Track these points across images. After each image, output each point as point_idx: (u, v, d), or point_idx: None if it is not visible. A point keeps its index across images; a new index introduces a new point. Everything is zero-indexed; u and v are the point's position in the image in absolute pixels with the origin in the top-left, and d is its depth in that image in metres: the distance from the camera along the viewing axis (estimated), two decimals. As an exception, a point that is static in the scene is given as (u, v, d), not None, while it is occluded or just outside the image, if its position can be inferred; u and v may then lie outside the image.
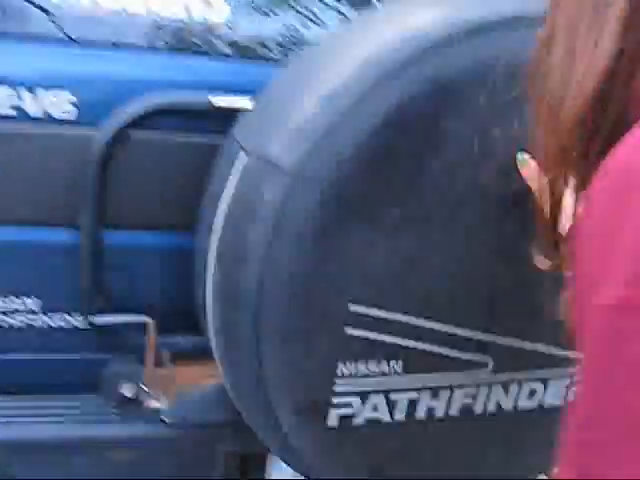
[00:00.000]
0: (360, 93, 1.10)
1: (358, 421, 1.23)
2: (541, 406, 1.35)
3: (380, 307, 1.17)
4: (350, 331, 1.17)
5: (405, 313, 1.19)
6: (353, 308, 1.16)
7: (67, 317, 1.38)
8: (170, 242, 1.38)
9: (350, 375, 1.20)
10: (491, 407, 1.31)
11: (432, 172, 1.14)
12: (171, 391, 1.39)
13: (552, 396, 1.35)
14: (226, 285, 1.17)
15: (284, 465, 1.50)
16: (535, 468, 1.45)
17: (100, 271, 1.35)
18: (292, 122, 1.13)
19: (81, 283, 1.35)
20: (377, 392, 1.22)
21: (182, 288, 1.39)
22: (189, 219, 1.31)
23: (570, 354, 1.32)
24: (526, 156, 1.15)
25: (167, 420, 1.39)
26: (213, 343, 1.25)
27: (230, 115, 1.28)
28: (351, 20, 1.57)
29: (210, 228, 1.20)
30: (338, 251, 1.12)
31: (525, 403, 1.33)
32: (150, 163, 1.33)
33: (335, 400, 1.20)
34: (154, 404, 1.40)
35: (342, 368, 1.19)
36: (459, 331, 1.23)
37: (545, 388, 1.34)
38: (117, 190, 1.32)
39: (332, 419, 1.21)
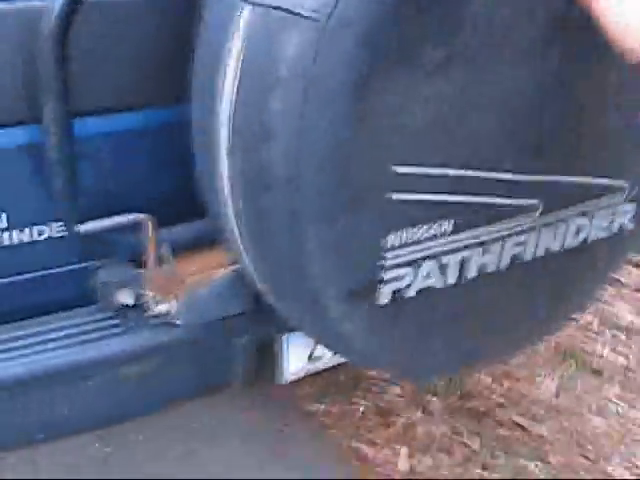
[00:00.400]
0: None
1: (410, 293, 1.10)
2: (586, 241, 1.25)
3: (425, 164, 1.02)
4: (396, 196, 1.02)
5: (451, 167, 1.04)
6: (398, 170, 1.00)
7: (44, 229, 1.17)
8: (153, 122, 1.17)
9: (400, 245, 1.06)
10: (540, 252, 1.20)
11: (472, 4, 0.96)
12: (178, 289, 1.23)
13: (598, 229, 1.25)
14: (250, 163, 0.98)
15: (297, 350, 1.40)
16: (579, 307, 1.37)
17: (75, 169, 1.14)
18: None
19: (55, 187, 1.13)
20: (429, 258, 1.09)
21: (173, 172, 1.20)
22: (174, 92, 1.10)
23: (616, 182, 1.23)
24: None
25: (180, 322, 1.23)
26: (232, 229, 1.08)
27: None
28: None
29: (215, 100, 1.00)
30: (378, 106, 0.95)
31: (572, 241, 1.23)
32: (118, 30, 1.09)
33: (386, 275, 1.07)
34: (161, 308, 1.23)
35: (391, 239, 1.04)
36: (507, 177, 1.10)
37: (591, 222, 1.23)
38: (82, 69, 1.09)
39: (384, 296, 1.08)
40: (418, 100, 0.98)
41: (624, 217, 1.27)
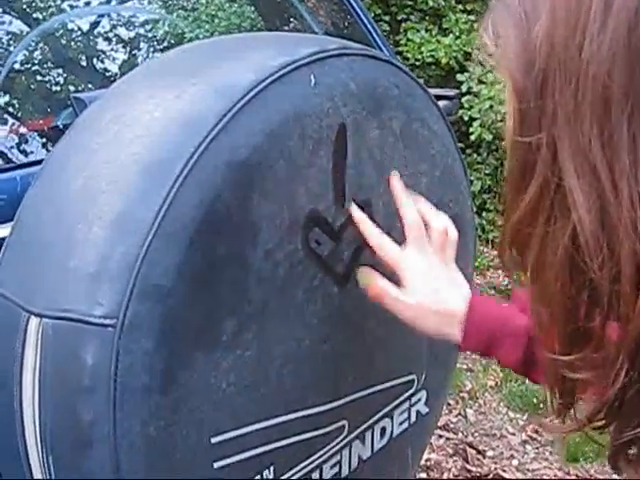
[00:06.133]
0: (158, 207, 0.92)
1: None
2: (391, 436, 1.31)
3: (239, 426, 1.04)
4: (219, 463, 1.02)
5: (263, 419, 1.06)
6: (215, 440, 1.01)
7: None
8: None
9: (227, 506, 1.05)
10: (354, 463, 1.24)
11: (253, 262, 1.00)
12: None
13: (399, 423, 1.31)
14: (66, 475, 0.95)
15: None
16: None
17: None
18: (85, 263, 0.92)
19: None
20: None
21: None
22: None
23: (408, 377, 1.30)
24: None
25: None
26: None
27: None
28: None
29: (11, 409, 0.96)
30: (186, 388, 0.96)
31: (379, 442, 1.28)
32: None
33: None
34: None
35: (218, 504, 1.04)
36: (313, 411, 1.13)
37: (392, 420, 1.29)
38: None
39: None
40: (221, 370, 0.99)
41: (419, 404, 1.35)
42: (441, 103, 1.70)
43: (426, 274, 1.04)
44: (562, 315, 0.64)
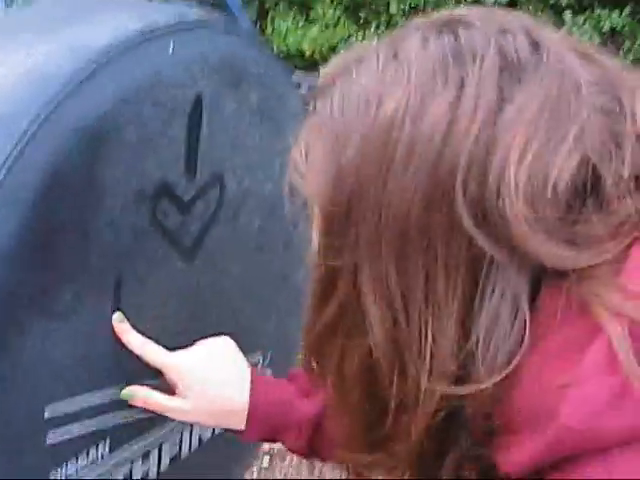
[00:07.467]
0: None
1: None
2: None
3: (75, 395, 1.00)
4: (52, 437, 0.98)
5: (100, 389, 1.03)
6: (49, 411, 0.97)
7: None
8: None
9: (63, 480, 1.02)
10: (195, 444, 1.23)
11: (95, 230, 0.97)
12: None
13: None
14: None
15: None
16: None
17: None
18: None
19: None
20: (94, 482, 1.06)
21: None
22: None
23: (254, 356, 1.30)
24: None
25: None
26: None
27: None
28: None
29: None
30: (19, 358, 0.92)
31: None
32: None
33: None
34: None
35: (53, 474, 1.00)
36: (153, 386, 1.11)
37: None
38: None
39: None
40: (57, 340, 0.96)
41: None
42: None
43: (197, 372, 1.02)
44: (359, 422, 0.69)
